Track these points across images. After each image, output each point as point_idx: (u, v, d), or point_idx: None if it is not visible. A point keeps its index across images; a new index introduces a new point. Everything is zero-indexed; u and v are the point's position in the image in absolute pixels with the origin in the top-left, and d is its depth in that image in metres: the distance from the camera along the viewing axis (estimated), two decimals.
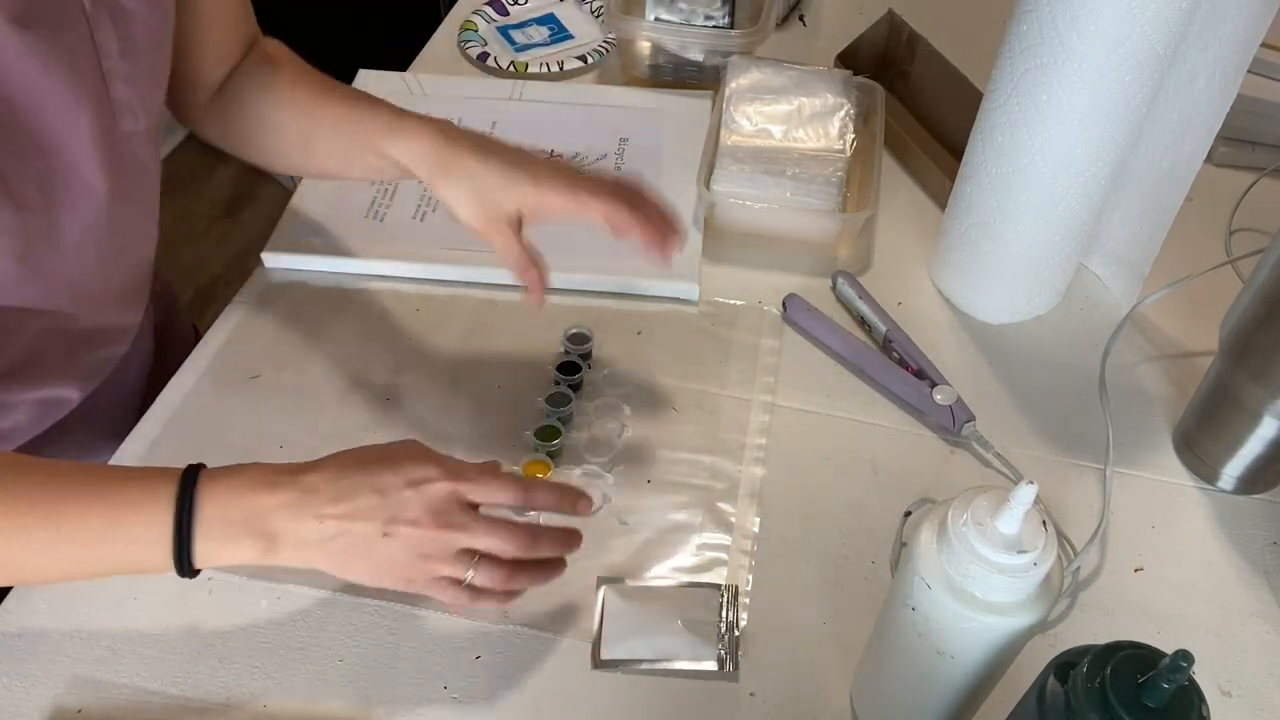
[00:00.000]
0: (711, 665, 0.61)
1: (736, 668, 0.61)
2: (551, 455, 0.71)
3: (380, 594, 0.63)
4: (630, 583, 0.65)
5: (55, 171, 0.59)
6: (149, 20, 0.61)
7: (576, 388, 0.75)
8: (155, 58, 0.64)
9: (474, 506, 0.55)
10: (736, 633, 0.62)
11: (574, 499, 0.58)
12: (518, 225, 0.66)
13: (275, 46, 0.76)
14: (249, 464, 0.54)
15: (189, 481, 0.52)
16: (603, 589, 0.64)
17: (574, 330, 0.79)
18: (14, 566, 0.53)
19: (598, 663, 0.61)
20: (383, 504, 0.53)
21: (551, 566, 0.58)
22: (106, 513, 0.52)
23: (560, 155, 0.93)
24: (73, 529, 0.51)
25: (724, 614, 0.63)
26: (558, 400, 0.74)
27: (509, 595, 0.57)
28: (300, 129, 0.72)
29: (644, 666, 0.61)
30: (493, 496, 0.55)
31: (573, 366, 0.76)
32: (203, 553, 0.52)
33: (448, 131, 0.66)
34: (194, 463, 0.54)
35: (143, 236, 0.72)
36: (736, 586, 0.64)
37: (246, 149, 0.75)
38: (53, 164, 0.58)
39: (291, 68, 0.74)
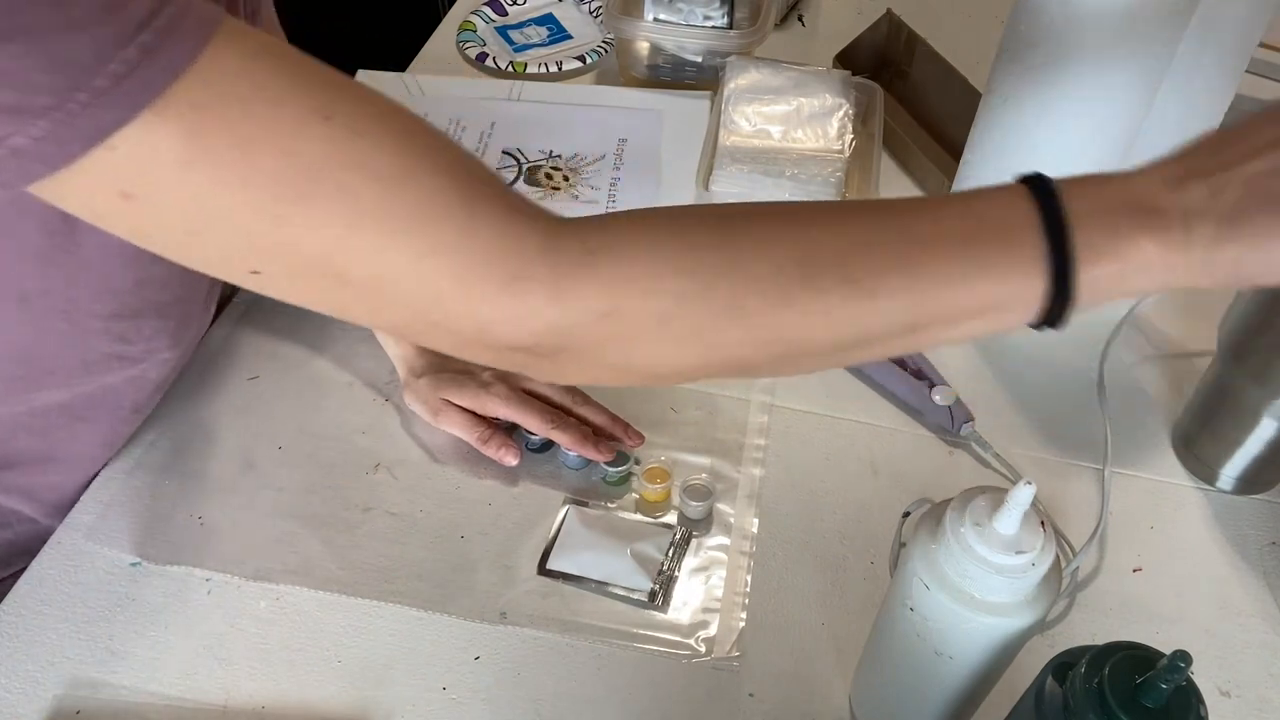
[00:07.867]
0: (643, 596, 0.63)
1: (666, 604, 0.63)
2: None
3: (380, 594, 0.64)
4: (593, 506, 0.68)
5: None
6: None
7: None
8: None
9: None
10: (675, 574, 0.65)
11: None
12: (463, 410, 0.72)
13: None
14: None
15: (1040, 188, 0.44)
16: (567, 507, 0.68)
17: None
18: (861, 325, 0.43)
19: (542, 570, 0.65)
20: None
21: None
22: (961, 250, 0.42)
23: (559, 155, 0.93)
24: (931, 274, 0.43)
25: (668, 554, 0.65)
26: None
27: None
28: None
29: (584, 584, 0.64)
30: None
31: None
32: (1086, 255, 0.41)
33: (411, 355, 0.73)
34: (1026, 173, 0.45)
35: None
36: (690, 533, 0.66)
37: None
38: None
39: None
